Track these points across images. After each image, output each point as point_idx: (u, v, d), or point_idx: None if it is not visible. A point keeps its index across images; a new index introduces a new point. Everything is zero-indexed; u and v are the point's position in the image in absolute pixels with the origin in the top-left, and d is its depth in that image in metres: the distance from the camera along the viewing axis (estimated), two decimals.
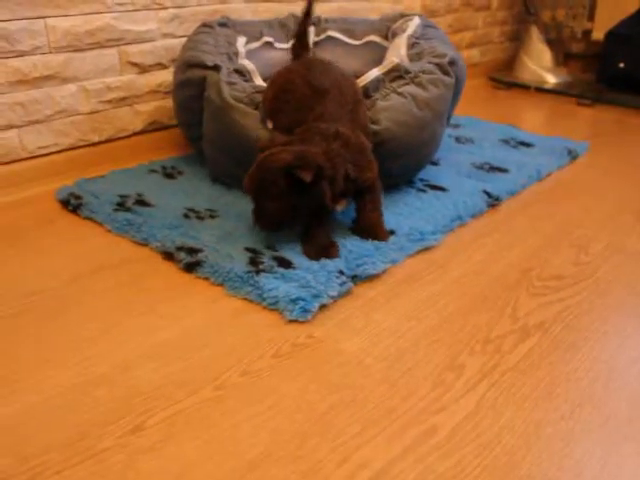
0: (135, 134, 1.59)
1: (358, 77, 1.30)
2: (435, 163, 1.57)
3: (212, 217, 1.25)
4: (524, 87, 2.49)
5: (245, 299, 1.00)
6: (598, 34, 2.48)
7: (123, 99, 1.54)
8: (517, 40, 2.82)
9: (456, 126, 1.90)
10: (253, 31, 1.56)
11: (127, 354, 0.87)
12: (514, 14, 2.80)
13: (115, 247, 1.17)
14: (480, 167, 1.55)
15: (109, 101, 1.51)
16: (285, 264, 1.06)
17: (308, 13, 1.36)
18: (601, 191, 1.51)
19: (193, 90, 1.34)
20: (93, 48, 1.44)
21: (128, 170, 1.48)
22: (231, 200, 1.33)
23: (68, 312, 0.96)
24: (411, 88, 1.28)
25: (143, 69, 1.55)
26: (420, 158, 1.35)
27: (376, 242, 1.13)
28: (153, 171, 1.48)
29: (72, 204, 1.31)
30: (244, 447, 0.71)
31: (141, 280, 1.06)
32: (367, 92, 1.27)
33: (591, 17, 2.50)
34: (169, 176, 1.46)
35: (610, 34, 2.28)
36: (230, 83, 1.28)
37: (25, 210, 1.32)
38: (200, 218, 1.24)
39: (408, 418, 0.76)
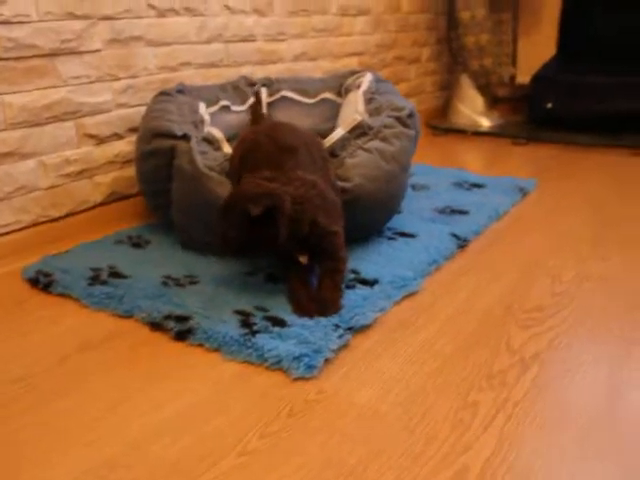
0: (96, 206, 1.56)
1: (323, 137, 1.34)
2: (398, 211, 1.61)
3: (192, 283, 1.23)
4: (461, 132, 2.61)
5: (244, 362, 0.99)
6: (522, 78, 2.66)
7: (82, 172, 1.52)
8: (447, 89, 2.97)
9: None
10: (210, 96, 1.58)
11: (137, 432, 0.83)
12: (442, 64, 2.96)
13: (96, 322, 1.13)
14: (442, 211, 1.61)
15: (68, 175, 1.49)
16: (279, 323, 1.06)
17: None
18: (557, 224, 1.58)
19: (160, 160, 1.34)
20: (50, 122, 1.42)
21: (94, 243, 1.44)
22: (207, 265, 1.31)
23: (63, 396, 0.92)
24: (376, 143, 1.33)
25: (100, 140, 1.54)
26: (390, 209, 1.39)
27: (364, 292, 1.15)
28: (120, 242, 1.45)
29: (42, 282, 1.26)
30: None
31: (133, 354, 1.03)
32: (334, 151, 1.31)
33: (514, 63, 2.68)
34: (136, 245, 1.43)
35: (536, 78, 2.45)
36: (202, 152, 1.29)
37: None
38: (180, 285, 1.22)
39: (437, 462, 0.76)
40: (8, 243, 1.38)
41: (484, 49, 2.43)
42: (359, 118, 1.34)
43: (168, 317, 1.09)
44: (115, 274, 1.27)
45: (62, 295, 1.23)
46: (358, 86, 1.53)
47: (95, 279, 1.25)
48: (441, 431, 0.82)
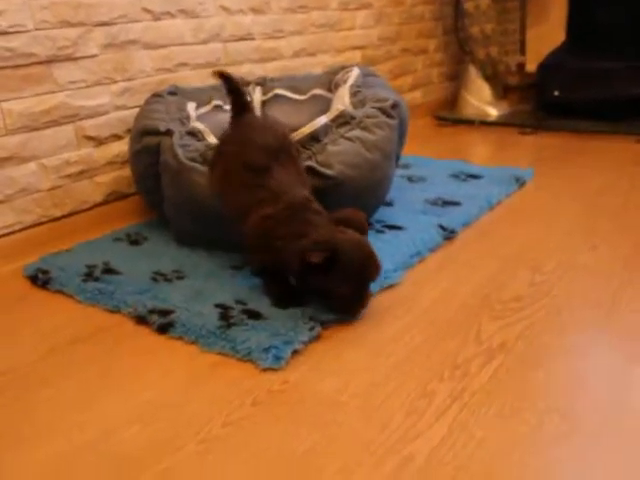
0: (96, 205, 1.62)
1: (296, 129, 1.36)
2: (390, 204, 1.63)
3: (179, 278, 1.28)
4: (468, 122, 2.61)
5: (220, 354, 1.03)
6: (531, 66, 2.63)
7: (82, 172, 1.58)
8: (455, 79, 2.96)
9: (407, 166, 1.98)
10: (202, 96, 1.63)
11: (112, 419, 0.88)
12: (450, 55, 2.95)
13: (88, 317, 1.19)
14: (434, 203, 1.62)
15: (68, 176, 1.55)
16: (255, 316, 1.09)
17: (229, 80, 1.29)
18: (550, 214, 1.58)
19: (150, 157, 1.39)
20: (49, 126, 1.49)
21: (93, 241, 1.50)
22: (197, 260, 1.36)
23: (47, 385, 0.97)
24: (358, 132, 1.35)
25: (99, 142, 1.60)
26: (375, 199, 1.41)
27: None
28: (118, 239, 1.51)
29: (40, 279, 1.32)
30: None
31: (117, 346, 1.08)
32: (317, 137, 1.34)
33: (523, 51, 2.65)
34: (134, 243, 1.49)
35: (542, 65, 2.42)
36: (183, 145, 1.33)
37: None
38: (168, 280, 1.27)
39: (385, 449, 0.79)
40: (11, 243, 1.44)
41: (490, 38, 2.42)
42: (341, 107, 1.37)
43: (152, 311, 1.14)
44: (108, 271, 1.32)
45: (59, 292, 1.29)
46: (345, 81, 1.56)
47: (89, 276, 1.31)
48: (394, 420, 0.84)
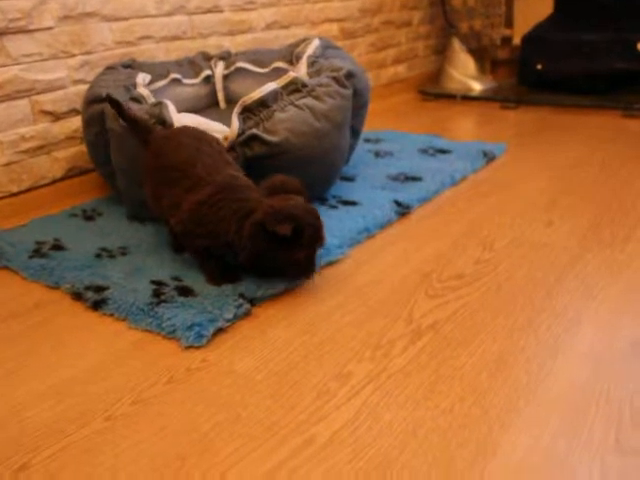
0: (56, 181, 1.61)
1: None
2: (350, 179, 1.60)
3: (123, 254, 1.27)
4: (451, 97, 2.55)
5: (146, 331, 1.02)
6: (518, 40, 2.56)
7: (40, 147, 1.56)
8: (442, 53, 2.90)
9: (377, 141, 1.95)
10: (160, 70, 1.60)
11: (26, 395, 0.88)
12: (437, 28, 2.88)
13: (29, 293, 1.18)
14: (395, 178, 1.59)
15: (25, 151, 1.53)
16: (186, 293, 1.08)
17: (119, 109, 1.26)
18: (513, 190, 1.55)
19: (97, 126, 1.37)
20: (3, 100, 1.47)
21: (50, 217, 1.49)
22: (143, 236, 1.35)
23: None
24: (308, 100, 1.32)
25: (57, 117, 1.58)
26: (325, 170, 1.37)
27: None
28: (74, 215, 1.50)
29: None
30: (123, 476, 0.72)
31: (50, 323, 1.07)
32: (265, 103, 1.31)
33: (510, 24, 2.58)
34: (89, 218, 1.47)
35: (525, 38, 2.35)
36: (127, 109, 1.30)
37: None
38: (112, 257, 1.26)
39: (288, 430, 0.78)
40: None
41: (474, 11, 2.35)
42: (292, 74, 1.33)
43: (88, 288, 1.13)
44: (56, 247, 1.32)
45: (5, 268, 1.28)
46: (305, 52, 1.52)
47: (36, 252, 1.30)
48: (304, 400, 0.83)
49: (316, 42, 1.56)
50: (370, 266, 1.19)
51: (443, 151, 1.80)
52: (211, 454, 0.74)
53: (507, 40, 2.61)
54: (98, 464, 0.74)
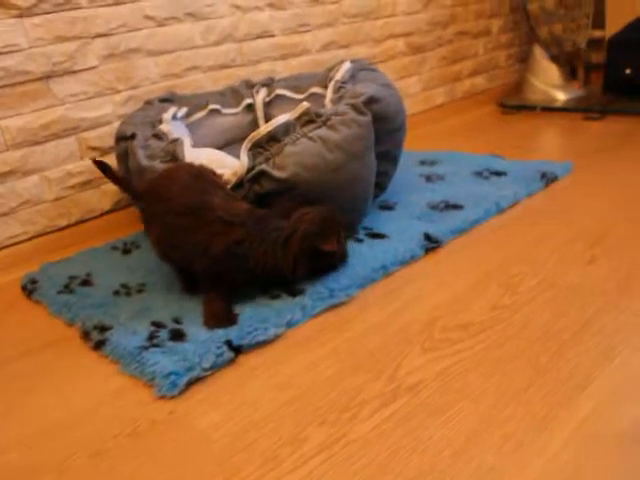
0: (104, 214, 1.67)
1: None
2: (390, 207, 1.52)
3: (139, 292, 1.28)
4: (532, 109, 2.36)
5: (132, 376, 1.02)
6: None
7: (88, 182, 1.63)
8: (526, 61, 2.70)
9: (433, 163, 1.84)
10: (199, 101, 1.61)
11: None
12: (521, 35, 2.68)
13: (49, 329, 1.22)
14: (435, 207, 1.49)
15: (73, 186, 1.61)
16: (178, 337, 1.07)
17: (105, 170, 1.24)
18: (566, 217, 1.39)
19: (124, 163, 1.41)
20: (50, 140, 1.55)
21: (93, 250, 1.55)
22: (164, 273, 1.35)
23: None
24: (321, 131, 1.26)
25: (104, 151, 1.64)
26: (347, 203, 1.30)
27: (277, 305, 1.12)
28: (115, 248, 1.54)
29: (28, 289, 1.39)
30: None
31: (55, 362, 1.10)
32: (275, 137, 1.27)
33: (602, 25, 2.35)
34: (126, 252, 1.51)
35: (612, 41, 2.13)
36: (145, 147, 1.32)
37: None
38: (128, 294, 1.27)
39: None
40: (16, 252, 1.53)
41: (553, 15, 2.16)
42: (306, 105, 1.28)
43: (96, 327, 1.15)
44: (85, 282, 1.35)
45: (39, 302, 1.34)
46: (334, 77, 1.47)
47: (66, 287, 1.34)
48: (248, 467, 0.78)
49: (346, 66, 1.50)
50: (375, 310, 1.12)
51: (498, 173, 1.67)
52: None
53: (599, 42, 2.38)
54: None
